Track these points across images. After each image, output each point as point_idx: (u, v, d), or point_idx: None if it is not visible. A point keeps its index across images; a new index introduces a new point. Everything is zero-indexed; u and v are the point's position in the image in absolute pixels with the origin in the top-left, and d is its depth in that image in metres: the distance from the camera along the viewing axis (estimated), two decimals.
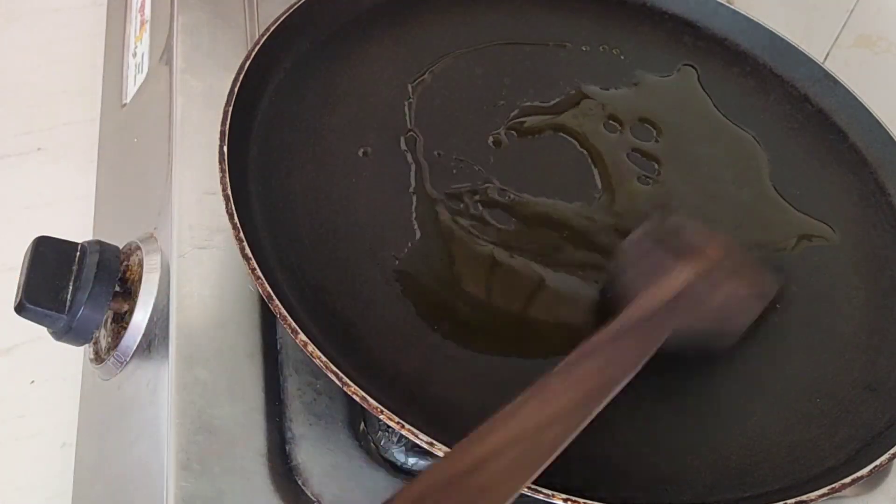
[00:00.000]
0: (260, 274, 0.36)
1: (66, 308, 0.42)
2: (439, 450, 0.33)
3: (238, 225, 0.38)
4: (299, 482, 0.37)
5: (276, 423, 0.38)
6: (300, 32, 0.49)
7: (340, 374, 0.34)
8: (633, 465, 0.38)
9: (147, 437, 0.40)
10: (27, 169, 0.73)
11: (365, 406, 0.33)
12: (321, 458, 0.38)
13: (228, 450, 0.37)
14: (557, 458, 0.31)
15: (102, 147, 0.67)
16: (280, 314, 0.35)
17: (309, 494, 0.37)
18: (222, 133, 0.41)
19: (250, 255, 0.37)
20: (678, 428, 0.40)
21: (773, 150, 0.53)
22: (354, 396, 0.33)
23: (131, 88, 0.62)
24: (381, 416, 0.33)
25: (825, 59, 0.66)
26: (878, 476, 0.42)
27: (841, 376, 0.43)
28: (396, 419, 0.33)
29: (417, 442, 0.33)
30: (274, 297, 0.36)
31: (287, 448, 0.38)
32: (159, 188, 0.48)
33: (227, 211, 0.38)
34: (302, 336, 0.35)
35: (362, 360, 0.37)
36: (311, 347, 0.35)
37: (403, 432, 0.33)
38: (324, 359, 0.34)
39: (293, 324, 0.35)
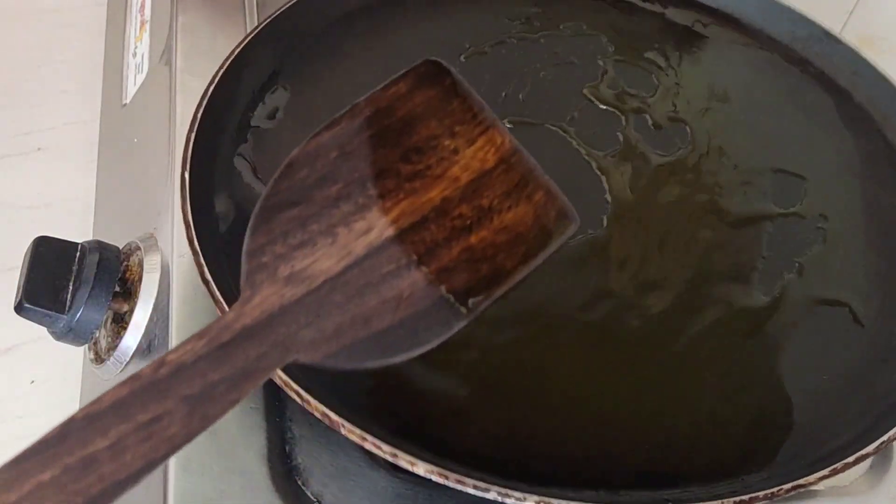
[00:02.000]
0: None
1: (66, 308, 0.42)
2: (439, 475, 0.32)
3: (201, 257, 0.38)
4: (299, 482, 0.37)
5: (276, 423, 0.38)
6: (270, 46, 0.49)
7: (330, 414, 0.33)
8: (639, 457, 0.37)
9: None
10: (27, 169, 0.73)
11: (352, 438, 0.33)
12: (321, 458, 0.38)
13: (228, 450, 0.37)
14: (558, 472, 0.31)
15: (102, 147, 0.67)
16: None
17: (309, 495, 0.37)
18: (184, 160, 0.41)
19: (209, 278, 0.37)
20: (680, 418, 0.39)
21: (776, 118, 0.51)
22: (352, 437, 0.33)
23: (131, 88, 0.62)
24: (367, 444, 0.32)
25: None
26: (878, 475, 0.42)
27: (847, 352, 0.42)
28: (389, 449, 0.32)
29: (413, 470, 0.32)
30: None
31: (287, 448, 0.38)
32: (159, 188, 0.48)
33: (187, 237, 0.38)
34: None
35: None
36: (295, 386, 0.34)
37: (399, 462, 0.32)
38: (313, 400, 0.34)
39: None
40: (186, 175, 0.41)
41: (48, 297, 0.42)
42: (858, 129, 0.51)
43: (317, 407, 0.33)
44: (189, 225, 0.39)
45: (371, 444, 0.32)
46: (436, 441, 0.35)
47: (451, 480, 0.32)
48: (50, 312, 0.42)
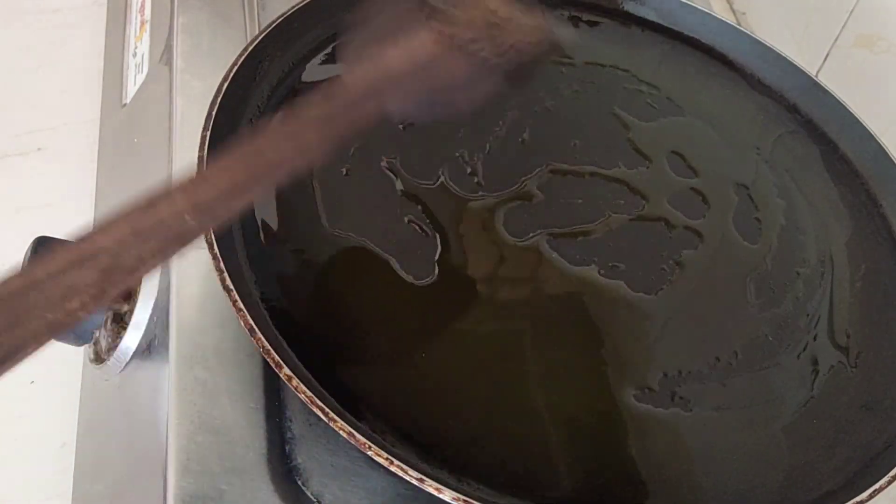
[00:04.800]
0: (242, 306, 0.35)
1: None
2: (430, 486, 0.32)
3: (218, 255, 0.36)
4: (299, 482, 0.37)
5: (276, 423, 0.38)
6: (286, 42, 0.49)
7: (327, 410, 0.33)
8: (629, 493, 0.37)
9: (147, 437, 0.40)
10: (27, 169, 0.73)
11: (352, 441, 0.33)
12: (321, 458, 0.38)
13: (228, 450, 0.37)
14: None
15: (102, 147, 0.67)
16: (263, 347, 0.34)
17: (309, 494, 0.37)
18: (200, 159, 0.39)
19: (231, 286, 0.36)
20: (675, 455, 0.39)
21: (764, 160, 0.52)
22: (341, 432, 0.33)
23: (131, 88, 0.62)
24: (370, 452, 0.32)
25: (825, 59, 0.66)
26: None
27: (837, 396, 0.42)
28: (385, 455, 0.32)
29: (406, 479, 0.32)
30: (256, 329, 0.35)
31: (287, 448, 0.38)
32: None
33: (206, 241, 0.37)
34: (286, 370, 0.34)
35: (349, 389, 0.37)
36: (295, 382, 0.34)
37: (392, 468, 0.32)
38: (308, 393, 0.33)
39: (276, 358, 0.34)
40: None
41: None
42: (843, 180, 0.52)
43: (343, 427, 0.33)
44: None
45: (397, 467, 0.32)
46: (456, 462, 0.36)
47: None
48: None
